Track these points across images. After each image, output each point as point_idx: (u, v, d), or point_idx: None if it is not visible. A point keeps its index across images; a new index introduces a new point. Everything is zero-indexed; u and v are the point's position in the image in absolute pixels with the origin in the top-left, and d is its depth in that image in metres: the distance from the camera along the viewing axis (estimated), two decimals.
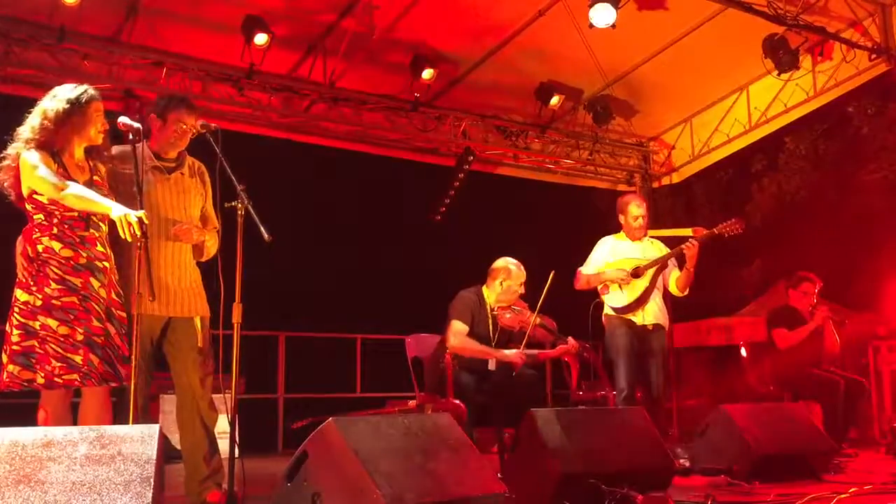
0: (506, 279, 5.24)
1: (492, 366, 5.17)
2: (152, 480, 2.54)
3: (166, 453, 3.64)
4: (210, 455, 3.91)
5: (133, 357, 3.26)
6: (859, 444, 6.62)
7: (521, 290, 5.27)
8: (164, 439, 2.78)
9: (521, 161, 9.43)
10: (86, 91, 3.63)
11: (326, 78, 7.61)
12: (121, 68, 6.98)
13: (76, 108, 3.58)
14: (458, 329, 5.11)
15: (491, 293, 5.28)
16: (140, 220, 3.34)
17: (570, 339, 5.18)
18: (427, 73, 7.54)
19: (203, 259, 4.07)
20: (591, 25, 6.73)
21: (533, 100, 8.40)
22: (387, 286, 10.70)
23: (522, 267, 5.30)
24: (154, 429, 2.73)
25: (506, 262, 5.30)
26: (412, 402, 5.37)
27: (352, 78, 7.77)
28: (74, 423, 3.55)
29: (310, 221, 9.82)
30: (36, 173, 3.42)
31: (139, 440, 2.64)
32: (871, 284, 8.76)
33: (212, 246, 4.03)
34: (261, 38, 6.79)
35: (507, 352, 5.07)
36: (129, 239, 3.36)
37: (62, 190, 3.40)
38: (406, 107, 8.14)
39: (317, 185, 9.43)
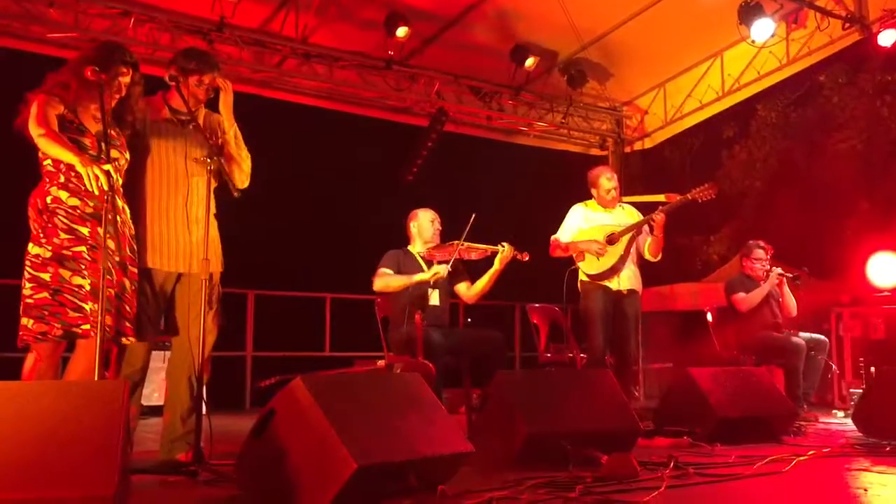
0: (414, 222, 5.51)
1: (434, 300, 5.27)
2: (119, 435, 2.53)
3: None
4: (188, 415, 3.87)
5: (101, 312, 3.21)
6: (819, 408, 6.76)
7: (436, 225, 5.47)
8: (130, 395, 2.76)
9: (494, 123, 9.38)
10: (118, 45, 3.75)
11: (299, 33, 7.48)
12: (87, 17, 6.81)
13: (101, 52, 3.59)
14: (379, 273, 5.29)
15: (415, 244, 5.50)
16: (107, 173, 3.29)
17: (502, 243, 5.23)
18: (401, 31, 7.43)
19: (239, 179, 3.95)
20: None
21: (507, 61, 8.32)
22: (357, 246, 10.63)
23: (427, 208, 5.53)
24: (120, 384, 2.71)
25: (411, 213, 5.57)
26: (381, 362, 5.39)
27: (325, 34, 7.65)
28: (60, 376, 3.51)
29: (279, 179, 9.71)
30: (31, 114, 3.41)
31: (105, 395, 2.62)
32: (836, 252, 8.89)
33: (245, 160, 4.02)
34: None
35: (421, 274, 5.20)
36: (96, 192, 3.31)
37: (39, 134, 3.36)
38: (379, 65, 8.03)
39: (287, 143, 9.30)
